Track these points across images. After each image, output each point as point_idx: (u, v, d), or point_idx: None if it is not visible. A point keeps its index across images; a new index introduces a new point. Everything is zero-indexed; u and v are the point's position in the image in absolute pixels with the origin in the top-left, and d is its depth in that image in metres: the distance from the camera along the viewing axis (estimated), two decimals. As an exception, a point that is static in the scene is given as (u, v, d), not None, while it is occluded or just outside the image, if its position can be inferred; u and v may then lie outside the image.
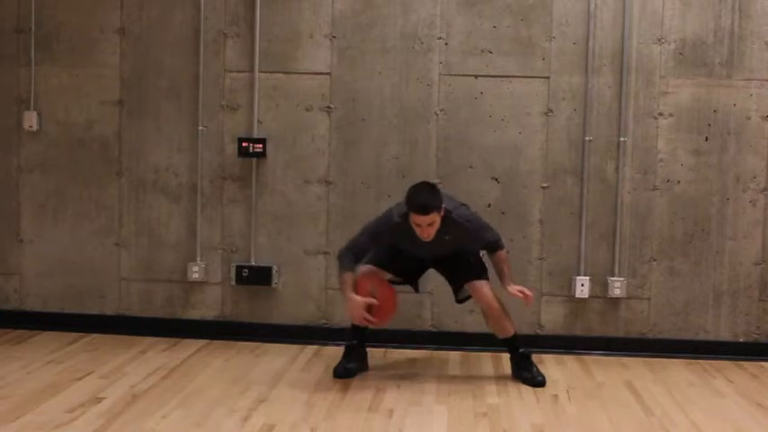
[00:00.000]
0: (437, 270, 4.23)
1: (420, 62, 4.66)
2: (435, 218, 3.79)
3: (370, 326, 4.01)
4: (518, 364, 4.13)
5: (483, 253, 4.16)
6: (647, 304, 4.67)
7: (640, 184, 4.63)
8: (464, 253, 4.09)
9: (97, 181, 4.85)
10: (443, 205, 3.85)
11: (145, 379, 3.99)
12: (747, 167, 4.60)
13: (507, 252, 4.14)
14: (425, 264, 4.20)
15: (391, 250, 4.11)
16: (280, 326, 4.78)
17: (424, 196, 3.83)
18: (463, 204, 4.07)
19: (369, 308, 3.91)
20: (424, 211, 3.78)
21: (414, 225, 3.83)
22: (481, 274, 4.08)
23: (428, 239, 3.85)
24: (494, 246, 4.05)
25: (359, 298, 3.89)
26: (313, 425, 3.43)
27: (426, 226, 3.80)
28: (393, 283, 4.13)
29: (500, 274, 4.06)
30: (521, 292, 3.97)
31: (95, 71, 4.81)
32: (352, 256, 3.96)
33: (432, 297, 4.65)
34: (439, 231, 3.86)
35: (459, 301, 4.21)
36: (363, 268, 4.05)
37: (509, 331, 4.11)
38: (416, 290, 4.31)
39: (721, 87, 4.58)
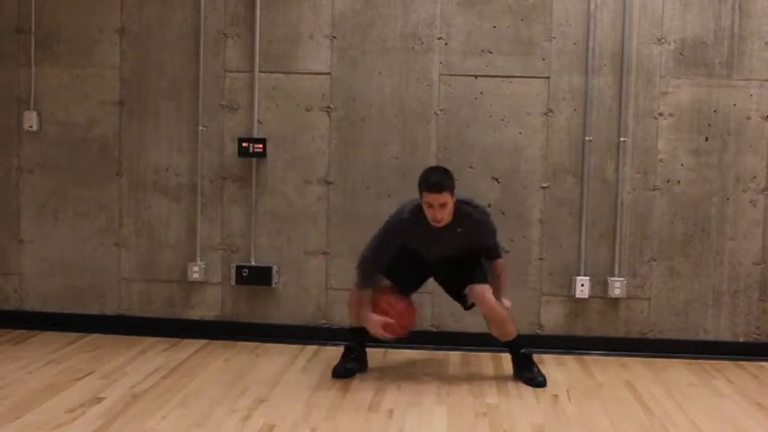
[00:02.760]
0: (437, 280, 4.24)
1: (420, 62, 4.66)
2: (448, 198, 3.77)
3: (391, 339, 4.02)
4: (519, 364, 4.13)
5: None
6: (647, 304, 4.67)
7: (640, 184, 4.63)
8: (466, 258, 4.07)
9: (97, 181, 4.85)
10: (457, 196, 3.85)
11: (145, 379, 3.99)
12: (747, 167, 4.60)
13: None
14: (426, 272, 4.19)
15: (394, 260, 4.09)
16: (280, 326, 4.79)
17: (437, 175, 3.83)
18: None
19: (386, 325, 3.93)
20: (438, 188, 3.76)
21: (426, 207, 3.80)
22: (482, 278, 4.06)
23: (440, 223, 3.82)
24: (496, 251, 4.07)
25: (376, 317, 3.90)
26: (313, 425, 3.43)
27: (438, 207, 3.77)
28: None
29: (495, 285, 4.06)
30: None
31: (95, 71, 4.81)
32: (373, 266, 3.95)
33: (432, 297, 4.65)
34: (451, 223, 3.86)
35: (468, 308, 4.20)
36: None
37: (511, 334, 4.10)
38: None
39: (721, 87, 4.58)
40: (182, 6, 4.75)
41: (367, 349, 4.25)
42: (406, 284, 4.14)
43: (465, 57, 4.65)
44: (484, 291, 4.02)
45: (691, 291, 4.65)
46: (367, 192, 4.70)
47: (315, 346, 4.66)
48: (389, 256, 4.00)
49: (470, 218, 3.92)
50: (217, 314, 4.84)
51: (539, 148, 4.65)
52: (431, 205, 3.79)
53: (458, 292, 4.16)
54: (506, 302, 4.09)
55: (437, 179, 3.80)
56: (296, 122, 4.73)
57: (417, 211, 3.89)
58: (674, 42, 4.58)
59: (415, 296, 4.48)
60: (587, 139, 4.62)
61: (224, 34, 4.74)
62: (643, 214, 4.64)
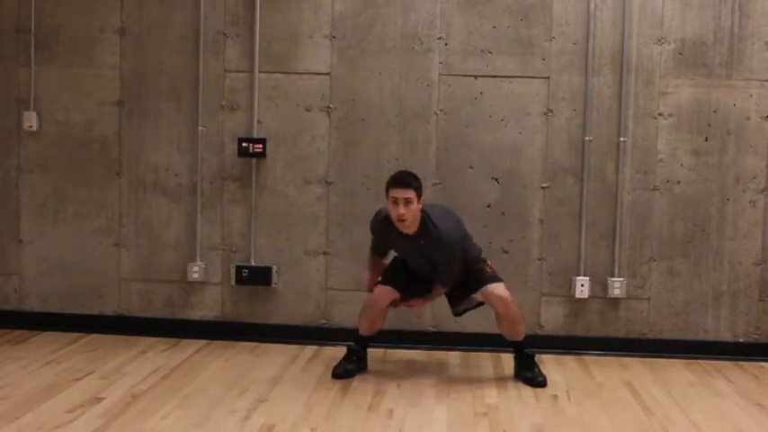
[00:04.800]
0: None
1: (420, 62, 4.66)
2: (411, 195, 3.81)
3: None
4: (521, 364, 4.13)
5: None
6: (646, 304, 4.67)
7: (640, 184, 4.63)
8: (469, 267, 4.07)
9: (97, 181, 4.85)
10: (429, 210, 3.89)
11: (145, 379, 3.99)
12: (747, 167, 4.60)
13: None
14: (428, 281, 4.19)
15: (403, 265, 4.13)
16: (280, 326, 4.78)
17: (404, 173, 3.94)
18: (454, 221, 4.02)
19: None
20: (401, 183, 3.83)
21: (391, 205, 3.85)
22: (493, 279, 4.06)
23: (403, 223, 3.83)
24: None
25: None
26: (313, 425, 3.43)
27: (403, 203, 3.80)
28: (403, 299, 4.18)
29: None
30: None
31: (95, 71, 4.81)
32: (372, 254, 4.25)
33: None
34: (416, 234, 3.89)
35: (457, 314, 4.21)
36: (379, 289, 4.10)
37: (520, 335, 4.11)
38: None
39: (721, 87, 4.58)
40: (181, 6, 4.75)
41: (368, 350, 4.24)
42: (416, 292, 4.17)
43: (465, 57, 4.65)
44: (500, 289, 4.02)
45: (690, 291, 4.65)
46: (367, 192, 4.70)
47: (314, 347, 4.66)
48: (383, 250, 4.17)
49: (430, 234, 3.89)
50: (217, 314, 4.84)
51: (539, 148, 4.65)
52: (395, 201, 3.83)
53: (462, 293, 4.15)
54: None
55: (403, 175, 3.90)
56: (296, 122, 4.73)
57: (389, 217, 3.93)
58: (674, 42, 4.58)
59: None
60: (587, 139, 4.62)
61: (224, 34, 4.74)
62: (643, 214, 4.64)
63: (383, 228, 4.01)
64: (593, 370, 4.36)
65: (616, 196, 4.63)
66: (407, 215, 3.83)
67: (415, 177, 3.91)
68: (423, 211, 3.90)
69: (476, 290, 4.05)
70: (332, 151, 4.73)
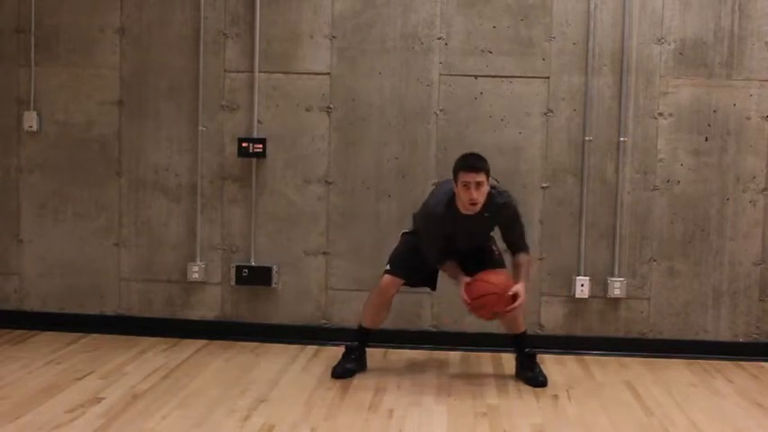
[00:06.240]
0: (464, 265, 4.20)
1: (420, 62, 4.66)
2: (483, 179, 3.81)
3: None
4: (522, 363, 4.14)
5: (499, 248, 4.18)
6: (646, 304, 4.67)
7: (640, 184, 4.63)
8: (487, 248, 4.10)
9: (97, 181, 4.85)
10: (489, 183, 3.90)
11: (145, 379, 3.99)
12: (747, 167, 4.60)
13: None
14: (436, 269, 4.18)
15: (414, 259, 4.10)
16: (280, 326, 4.78)
17: (474, 157, 3.91)
18: None
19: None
20: (473, 167, 3.81)
21: (462, 189, 3.81)
22: (500, 264, 4.08)
23: (476, 206, 3.82)
24: (521, 242, 4.04)
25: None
26: (313, 425, 3.43)
27: (475, 186, 3.79)
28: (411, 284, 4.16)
29: (518, 274, 3.99)
30: (515, 296, 3.90)
31: (95, 71, 4.81)
32: (435, 257, 4.04)
33: (431, 297, 4.64)
34: (480, 210, 3.87)
35: None
36: (386, 278, 4.09)
37: (521, 327, 4.12)
38: (434, 288, 4.27)
39: (721, 87, 4.58)
40: (182, 6, 4.75)
41: (367, 350, 4.24)
42: (423, 281, 4.18)
43: (465, 57, 4.65)
44: (504, 274, 4.02)
45: (690, 291, 4.65)
46: (367, 192, 4.70)
47: (315, 347, 4.66)
48: (440, 247, 4.03)
49: (494, 202, 3.91)
50: (217, 314, 4.84)
51: (538, 148, 4.65)
52: (467, 185, 3.80)
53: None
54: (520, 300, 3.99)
55: (474, 160, 3.88)
56: (296, 122, 4.73)
57: (447, 204, 3.91)
58: (674, 42, 4.58)
59: (414, 296, 4.51)
60: (587, 139, 4.62)
61: (224, 34, 4.74)
62: (643, 214, 4.64)
63: (447, 218, 3.92)
64: (594, 370, 4.36)
65: (616, 196, 4.63)
66: (480, 198, 3.83)
67: (484, 160, 3.89)
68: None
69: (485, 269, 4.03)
70: (332, 151, 4.73)
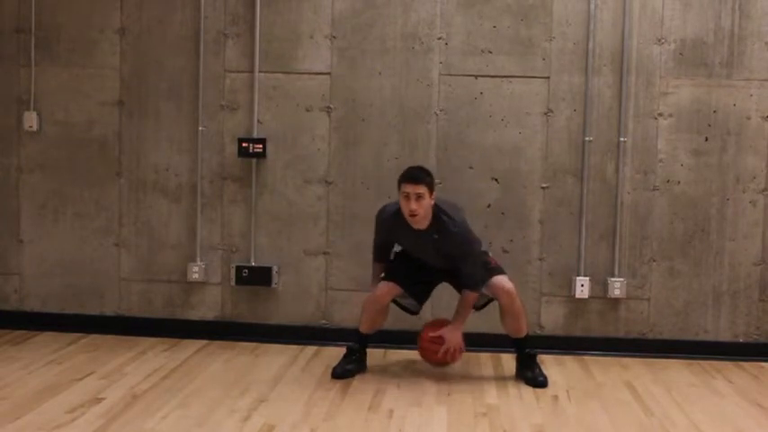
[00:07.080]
0: (450, 283, 4.22)
1: (420, 62, 4.66)
2: (423, 191, 3.84)
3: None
4: (523, 363, 4.14)
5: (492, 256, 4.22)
6: (646, 305, 4.67)
7: (640, 184, 4.63)
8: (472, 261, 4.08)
9: (97, 181, 4.85)
10: (440, 204, 3.92)
11: (145, 379, 3.99)
12: (747, 168, 4.60)
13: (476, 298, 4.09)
14: (435, 277, 4.20)
15: (405, 262, 4.15)
16: (280, 326, 4.78)
17: (416, 169, 3.97)
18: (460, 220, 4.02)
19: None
20: (413, 178, 3.86)
21: (403, 200, 3.87)
22: (498, 271, 4.09)
23: (415, 218, 3.85)
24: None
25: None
26: (313, 425, 3.43)
27: (415, 198, 3.83)
28: (399, 304, 4.20)
29: (457, 312, 4.06)
30: (447, 351, 4.08)
31: (95, 71, 4.81)
32: (374, 255, 4.23)
33: (431, 297, 4.62)
34: (428, 228, 3.91)
35: (478, 309, 4.19)
36: (382, 285, 4.11)
37: (522, 332, 4.13)
38: (417, 312, 4.28)
39: (721, 87, 4.58)
40: (182, 6, 4.75)
41: (367, 350, 4.24)
42: (417, 293, 4.18)
43: (465, 57, 4.65)
44: (503, 281, 4.04)
45: (690, 291, 4.65)
46: (367, 192, 4.70)
47: (315, 347, 4.66)
48: (387, 250, 4.19)
49: (446, 228, 3.92)
50: (217, 314, 4.84)
51: (539, 148, 4.65)
52: (407, 196, 3.85)
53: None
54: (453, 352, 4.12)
55: (415, 171, 3.92)
56: (296, 122, 4.73)
57: (399, 212, 3.96)
58: (674, 42, 4.58)
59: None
60: (587, 139, 4.62)
61: (224, 34, 4.74)
62: (643, 214, 4.64)
63: (392, 224, 4.02)
64: (594, 370, 4.36)
65: (616, 196, 4.63)
66: (419, 210, 3.85)
67: (427, 173, 3.94)
68: (435, 205, 3.92)
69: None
70: (332, 151, 4.73)
